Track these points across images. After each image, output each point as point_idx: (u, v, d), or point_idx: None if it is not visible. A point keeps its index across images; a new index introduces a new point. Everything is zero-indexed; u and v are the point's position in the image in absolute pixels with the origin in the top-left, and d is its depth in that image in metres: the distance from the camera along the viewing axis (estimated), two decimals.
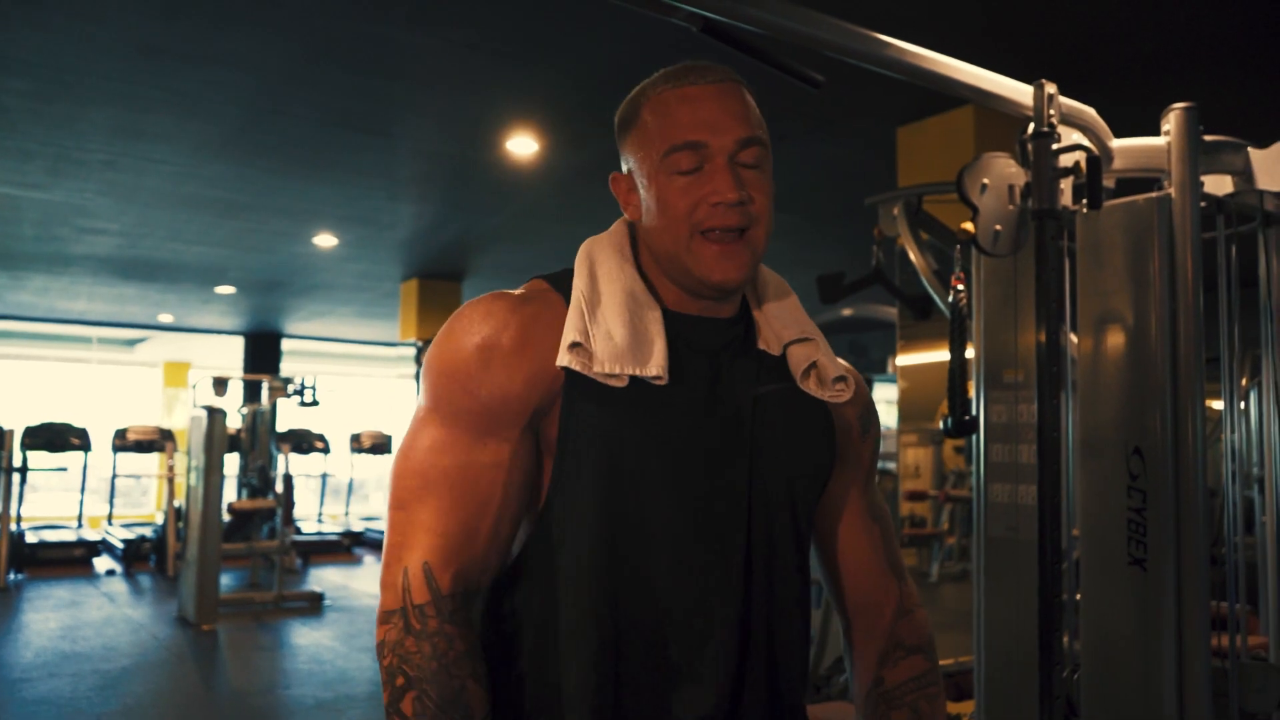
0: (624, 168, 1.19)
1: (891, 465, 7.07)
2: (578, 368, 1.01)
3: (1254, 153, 2.31)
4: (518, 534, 1.06)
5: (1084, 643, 2.14)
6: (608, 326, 1.03)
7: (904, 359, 4.59)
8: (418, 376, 8.50)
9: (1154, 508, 2.04)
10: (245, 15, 3.51)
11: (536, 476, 1.05)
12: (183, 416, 10.36)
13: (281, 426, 11.24)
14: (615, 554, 1.02)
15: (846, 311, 6.31)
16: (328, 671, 5.60)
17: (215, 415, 7.10)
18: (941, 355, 2.43)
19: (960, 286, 2.26)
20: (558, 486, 1.03)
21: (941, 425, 2.23)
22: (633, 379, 1.02)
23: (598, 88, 4.22)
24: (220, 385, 8.37)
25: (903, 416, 5.09)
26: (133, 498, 14.83)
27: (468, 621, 1.01)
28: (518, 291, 1.10)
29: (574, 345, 1.02)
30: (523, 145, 4.88)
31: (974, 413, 2.36)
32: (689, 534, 1.03)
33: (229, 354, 14.11)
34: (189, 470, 7.42)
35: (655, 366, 1.02)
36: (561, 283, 1.12)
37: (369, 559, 10.85)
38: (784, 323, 1.18)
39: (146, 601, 7.94)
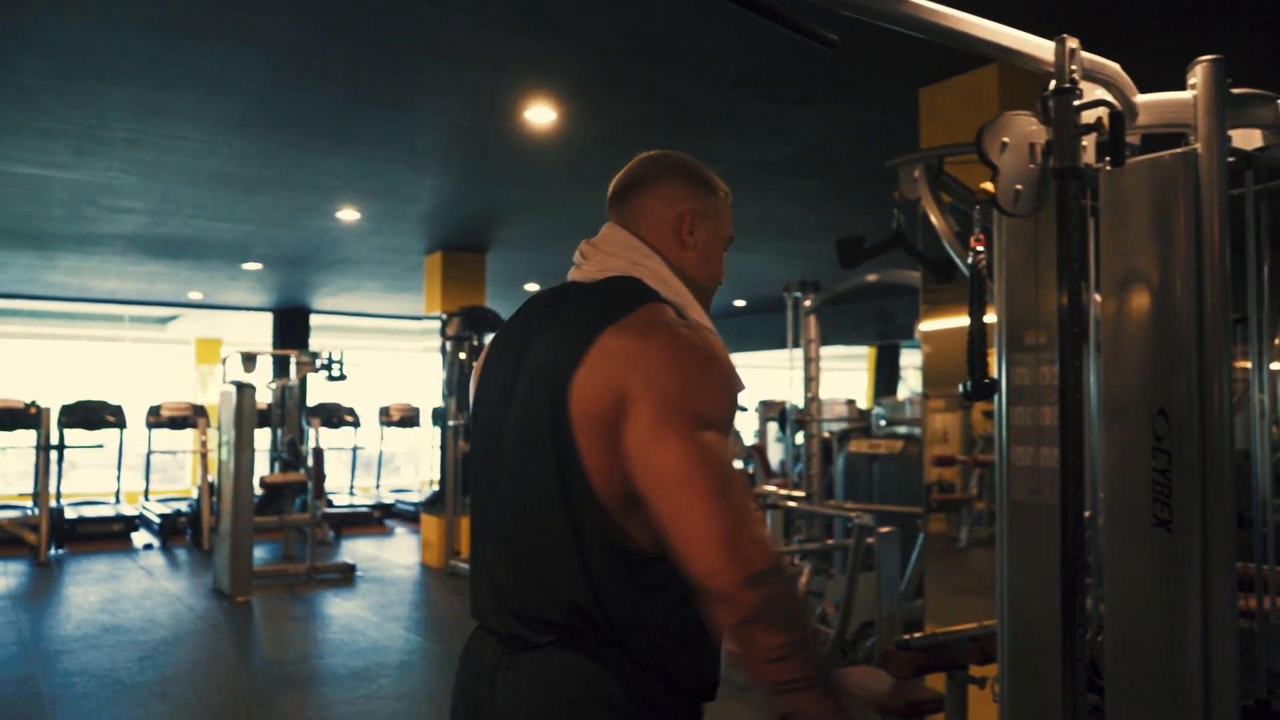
0: (687, 207, 1.52)
1: (917, 430, 7.03)
2: None
3: None
4: None
5: (1108, 605, 2.12)
6: None
7: (928, 324, 4.55)
8: (443, 349, 8.53)
9: (1179, 469, 2.01)
10: None
11: None
12: (215, 393, 10.48)
13: (311, 401, 11.37)
14: None
15: (871, 277, 6.24)
16: (360, 641, 5.68)
17: (245, 391, 7.19)
18: (966, 320, 2.41)
19: (980, 248, 2.23)
20: None
21: (961, 388, 2.21)
22: None
23: (614, 55, 4.19)
24: (249, 361, 8.45)
25: (928, 382, 5.04)
26: (169, 473, 15.07)
27: None
28: (694, 320, 1.40)
29: None
30: (541, 115, 4.85)
31: (994, 375, 2.33)
32: None
33: (259, 330, 14.25)
34: (220, 445, 7.52)
35: None
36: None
37: (400, 530, 10.98)
38: None
39: (183, 574, 8.09)
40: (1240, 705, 2.00)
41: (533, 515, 1.33)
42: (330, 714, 4.31)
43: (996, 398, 2.48)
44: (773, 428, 10.93)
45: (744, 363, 18.02)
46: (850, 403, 10.44)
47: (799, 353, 6.68)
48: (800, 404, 6.68)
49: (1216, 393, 1.98)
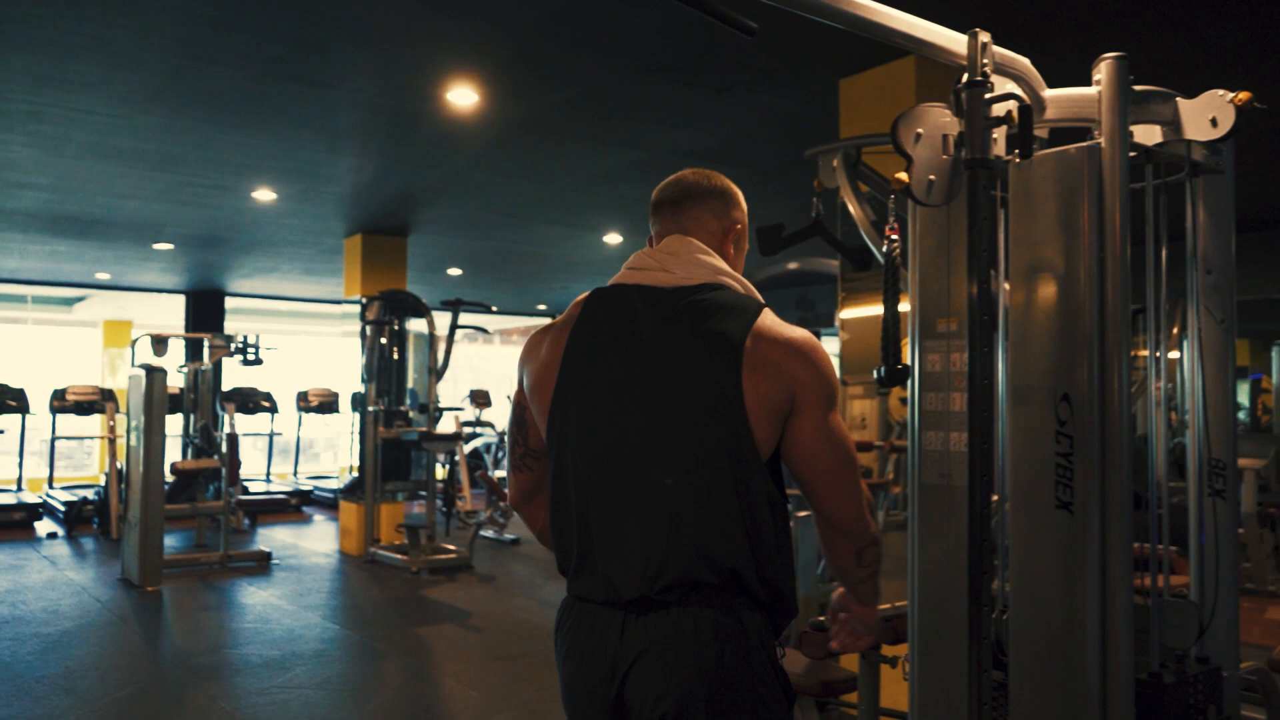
0: (733, 221, 1.82)
1: None
2: None
3: (1182, 103, 2.34)
4: None
5: (1012, 585, 2.18)
6: None
7: (847, 312, 4.62)
8: (363, 334, 8.38)
9: (1080, 453, 2.08)
10: None
11: None
12: (124, 377, 10.15)
13: (227, 386, 11.08)
14: None
15: (792, 265, 6.32)
16: (275, 630, 5.58)
17: (154, 374, 6.98)
18: (882, 308, 2.45)
19: (894, 236, 2.27)
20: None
21: (875, 374, 2.25)
22: None
23: (536, 38, 4.15)
24: (160, 344, 8.20)
25: (846, 369, 5.13)
26: (75, 460, 14.57)
27: None
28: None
29: None
30: (463, 97, 4.79)
31: (906, 362, 2.38)
32: None
33: (171, 313, 13.83)
34: (129, 431, 7.29)
35: None
36: None
37: (319, 517, 10.80)
38: None
39: (89, 564, 7.84)
40: (1134, 678, 2.08)
41: (695, 487, 1.56)
42: (243, 704, 4.22)
43: (909, 384, 2.54)
44: None
45: None
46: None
47: None
48: None
49: (1116, 379, 2.05)
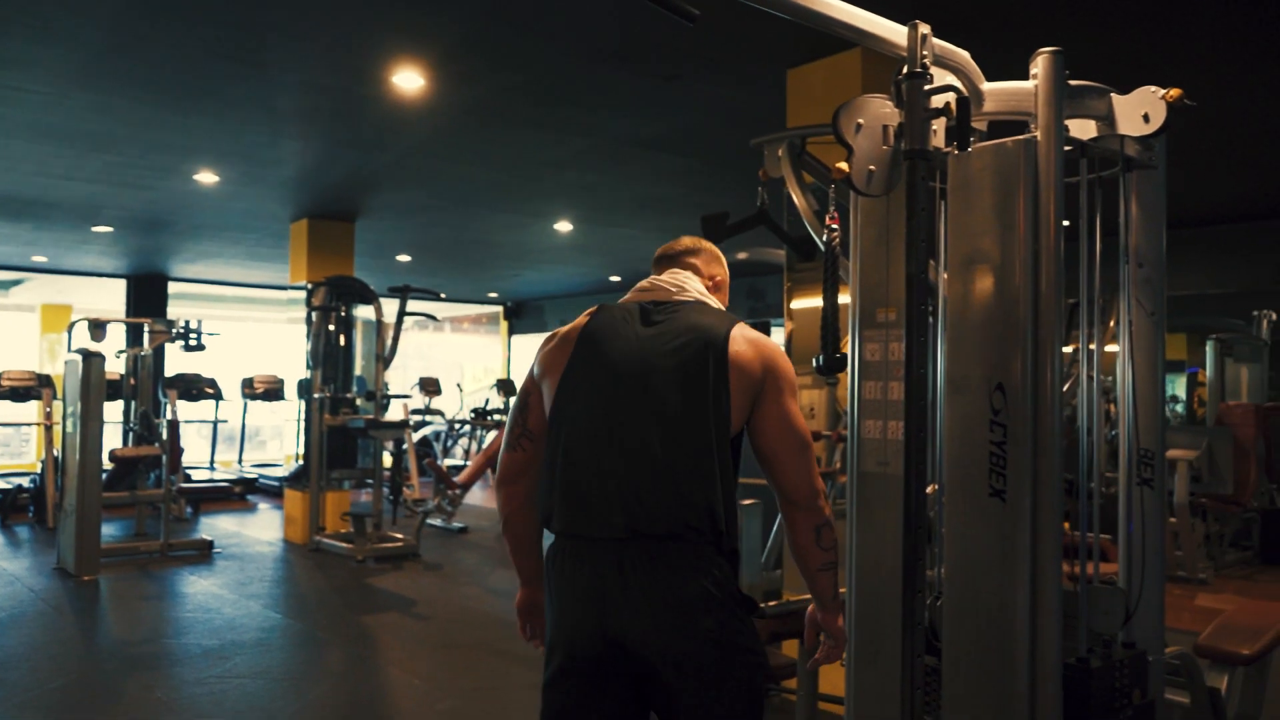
0: (714, 273, 2.22)
1: None
2: None
3: (1116, 99, 2.37)
4: None
5: (946, 571, 2.21)
6: None
7: (794, 302, 4.64)
8: (309, 320, 8.25)
9: (1014, 442, 2.11)
10: None
11: None
12: (63, 362, 9.90)
13: (171, 372, 10.86)
14: None
15: (741, 255, 6.34)
16: (215, 619, 5.49)
17: (91, 359, 6.82)
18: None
19: (834, 226, 2.28)
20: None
21: (814, 362, 2.27)
22: None
23: (482, 22, 4.11)
24: (98, 328, 8.01)
25: (794, 359, 5.15)
26: (14, 447, 14.21)
27: None
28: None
29: None
30: (409, 80, 4.72)
31: (844, 350, 2.40)
32: None
33: (113, 298, 13.52)
34: (65, 417, 7.12)
35: None
36: None
37: (264, 506, 10.64)
38: None
39: (24, 554, 7.65)
40: (1063, 662, 2.13)
41: (684, 447, 1.89)
42: (180, 694, 4.15)
43: (849, 373, 2.56)
44: None
45: None
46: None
47: None
48: None
49: (1049, 370, 2.09)
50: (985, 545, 2.13)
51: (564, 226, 9.15)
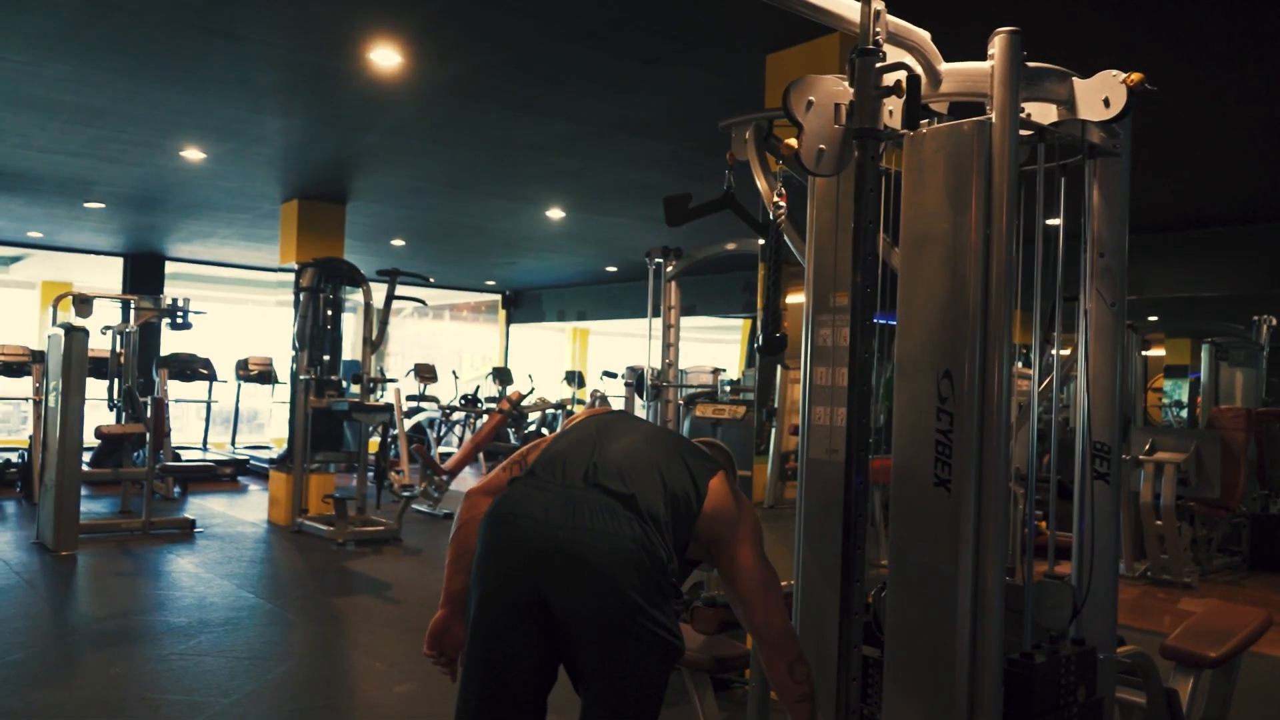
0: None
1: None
2: None
3: (1077, 83, 2.31)
4: None
5: (889, 562, 2.16)
6: None
7: (788, 297, 4.58)
8: (296, 301, 8.21)
9: (960, 430, 2.05)
10: None
11: None
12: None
13: (166, 351, 10.83)
14: None
15: (730, 246, 6.26)
16: (186, 598, 5.46)
17: (74, 334, 6.78)
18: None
19: (782, 204, 2.23)
20: None
21: (754, 345, 2.22)
22: None
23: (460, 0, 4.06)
24: (84, 304, 7.99)
25: (786, 353, 5.10)
26: (12, 424, 14.25)
27: None
28: None
29: None
30: (386, 56, 4.67)
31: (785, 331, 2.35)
32: None
33: (111, 276, 13.51)
34: (48, 392, 7.10)
35: None
36: None
37: (255, 488, 10.63)
38: None
39: (6, 527, 7.64)
40: (1006, 657, 2.08)
41: (655, 474, 2.11)
42: (137, 670, 4.12)
43: (802, 358, 2.51)
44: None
45: (615, 330, 18.04)
46: (716, 371, 10.56)
47: (660, 320, 6.67)
48: (660, 370, 6.69)
49: (997, 358, 2.03)
50: (929, 535, 2.08)
51: (556, 213, 9.09)
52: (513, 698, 2.00)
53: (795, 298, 4.64)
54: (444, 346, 19.10)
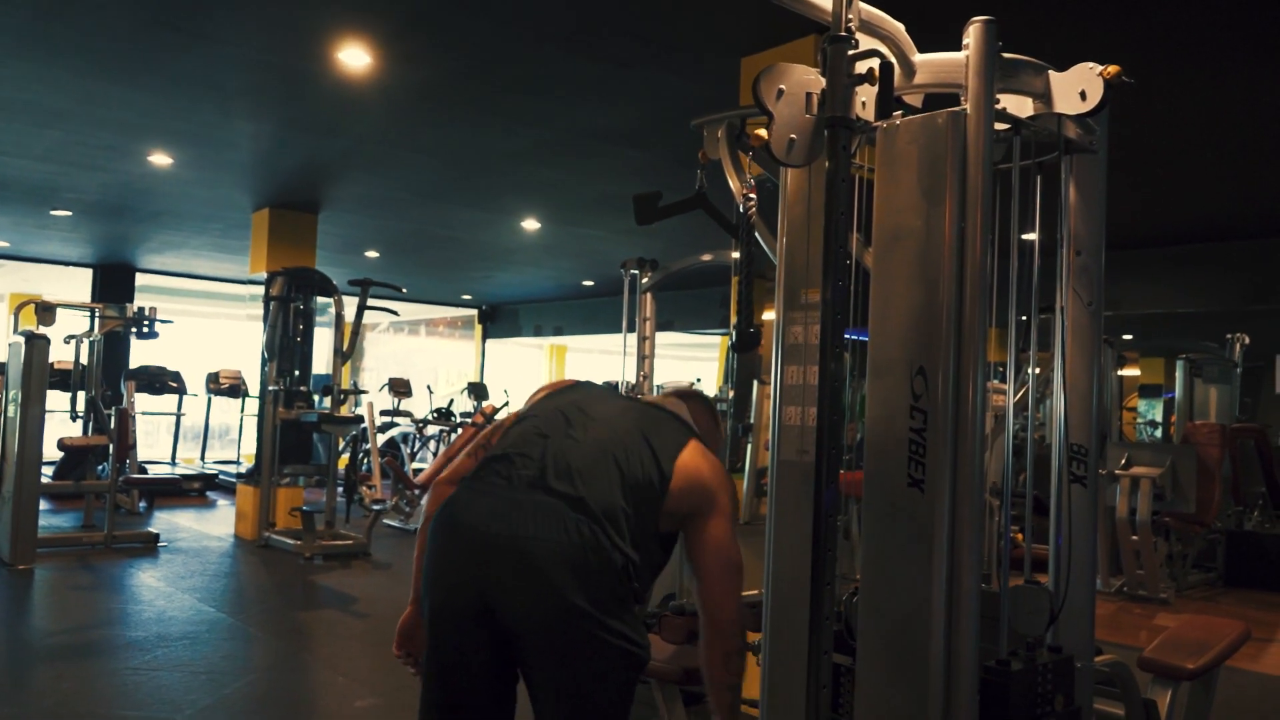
0: (704, 425, 2.41)
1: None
2: None
3: (1054, 75, 2.27)
4: None
5: (862, 565, 2.09)
6: None
7: (766, 314, 4.52)
8: (266, 311, 8.08)
9: (934, 429, 1.99)
10: None
11: None
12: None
13: (135, 364, 10.66)
14: None
15: (706, 257, 6.20)
16: (145, 612, 5.32)
17: (34, 342, 6.64)
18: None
19: (752, 196, 2.17)
20: None
21: (729, 340, 2.15)
22: None
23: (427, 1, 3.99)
24: (46, 312, 7.83)
25: (763, 369, 5.04)
26: None
27: None
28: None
29: None
30: (355, 58, 4.59)
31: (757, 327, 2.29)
32: None
33: (81, 288, 13.31)
34: (7, 403, 6.93)
35: None
36: None
37: (223, 503, 10.45)
38: None
39: None
40: (981, 664, 2.01)
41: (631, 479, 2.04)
42: (89, 686, 3.98)
43: (773, 358, 2.44)
44: None
45: (592, 346, 17.96)
46: (691, 384, 10.50)
47: (635, 333, 6.60)
48: (634, 383, 6.61)
49: (972, 355, 1.97)
50: (902, 538, 2.01)
51: (531, 225, 9.02)
52: (472, 708, 1.94)
53: (769, 315, 4.60)
54: (420, 363, 18.94)
